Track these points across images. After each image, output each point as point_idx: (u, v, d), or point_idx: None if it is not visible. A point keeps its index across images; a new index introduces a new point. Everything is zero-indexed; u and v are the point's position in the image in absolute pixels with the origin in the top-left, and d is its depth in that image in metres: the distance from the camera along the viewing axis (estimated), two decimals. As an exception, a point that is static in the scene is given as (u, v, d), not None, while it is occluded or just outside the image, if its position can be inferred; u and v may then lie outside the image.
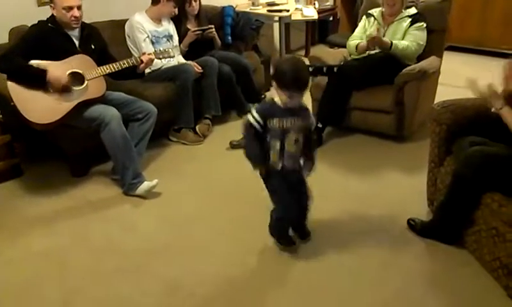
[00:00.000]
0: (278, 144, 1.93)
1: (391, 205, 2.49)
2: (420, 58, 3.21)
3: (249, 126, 1.93)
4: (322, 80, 3.30)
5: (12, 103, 2.48)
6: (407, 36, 3.18)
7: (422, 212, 2.38)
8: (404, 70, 3.04)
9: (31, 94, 2.51)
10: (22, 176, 2.91)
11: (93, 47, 2.79)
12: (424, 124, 3.31)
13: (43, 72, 2.49)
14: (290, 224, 2.17)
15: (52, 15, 2.65)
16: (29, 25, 2.70)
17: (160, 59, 3.05)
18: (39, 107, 2.51)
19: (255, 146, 1.96)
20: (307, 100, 3.47)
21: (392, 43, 3.10)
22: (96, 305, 1.88)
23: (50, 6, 2.66)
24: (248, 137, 1.98)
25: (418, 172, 2.70)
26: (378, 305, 1.84)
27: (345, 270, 2.03)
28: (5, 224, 2.45)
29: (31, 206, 2.60)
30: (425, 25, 3.19)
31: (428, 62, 3.11)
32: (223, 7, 4.15)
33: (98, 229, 2.38)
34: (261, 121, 1.91)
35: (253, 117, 1.92)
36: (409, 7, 3.27)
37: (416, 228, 2.24)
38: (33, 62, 2.53)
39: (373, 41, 3.13)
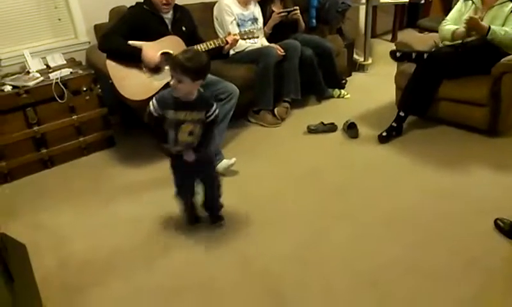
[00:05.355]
0: (172, 134, 1.98)
1: (476, 203, 2.35)
2: (522, 48, 2.93)
3: (149, 114, 1.97)
4: (408, 67, 3.15)
5: (110, 81, 2.70)
6: (508, 23, 2.91)
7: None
8: (502, 60, 2.80)
9: (126, 72, 2.71)
10: (114, 147, 3.19)
11: (184, 29, 2.92)
12: (521, 119, 3.04)
13: (138, 51, 2.67)
14: (187, 205, 2.27)
15: (147, -3, 2.81)
16: (127, 6, 2.90)
17: (244, 39, 3.11)
18: (133, 85, 2.70)
19: (159, 131, 2.01)
20: (391, 87, 3.39)
21: (489, 27, 2.86)
22: (177, 272, 2.02)
23: (146, -10, 2.82)
24: (151, 123, 2.00)
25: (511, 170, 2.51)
26: (456, 303, 1.76)
27: (423, 267, 1.96)
28: (99, 189, 2.70)
29: (121, 175, 2.84)
30: (530, 11, 2.89)
31: (531, 52, 2.83)
32: (310, -11, 4.10)
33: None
34: (160, 112, 1.95)
35: (153, 106, 1.96)
36: (513, -10, 2.99)
37: (505, 228, 2.10)
38: (130, 42, 2.71)
39: (470, 22, 2.90)
